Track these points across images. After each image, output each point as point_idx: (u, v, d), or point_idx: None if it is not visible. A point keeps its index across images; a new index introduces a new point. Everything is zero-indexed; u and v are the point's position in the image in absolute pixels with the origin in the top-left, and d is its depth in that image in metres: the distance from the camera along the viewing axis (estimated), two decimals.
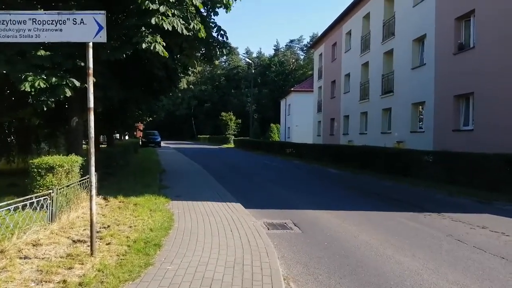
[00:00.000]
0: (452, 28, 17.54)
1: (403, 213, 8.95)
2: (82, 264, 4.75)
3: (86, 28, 4.89)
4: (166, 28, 8.34)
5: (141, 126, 46.44)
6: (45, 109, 8.80)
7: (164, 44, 8.65)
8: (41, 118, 13.00)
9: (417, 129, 20.73)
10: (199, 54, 11.44)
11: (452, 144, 16.16)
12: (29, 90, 7.74)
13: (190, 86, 79.61)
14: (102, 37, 4.90)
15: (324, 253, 5.85)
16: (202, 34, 9.14)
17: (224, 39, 10.67)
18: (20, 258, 4.96)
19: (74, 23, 4.85)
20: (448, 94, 17.53)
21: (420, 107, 20.75)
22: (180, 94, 75.71)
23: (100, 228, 6.55)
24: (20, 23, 4.76)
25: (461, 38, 17.38)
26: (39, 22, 4.81)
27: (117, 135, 38.81)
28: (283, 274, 4.80)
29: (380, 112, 24.46)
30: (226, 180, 14.42)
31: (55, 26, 4.85)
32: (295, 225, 7.57)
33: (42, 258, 4.96)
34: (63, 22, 4.84)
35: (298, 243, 6.38)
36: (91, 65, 4.93)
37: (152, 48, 8.31)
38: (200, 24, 9.09)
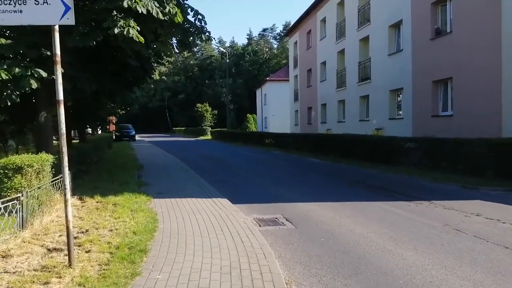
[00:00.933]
0: (429, 13, 17.49)
1: (394, 203, 8.73)
2: (60, 277, 4.21)
3: (51, 9, 4.25)
4: (140, 12, 7.67)
5: (114, 120, 44.93)
6: (9, 103, 8.02)
7: (139, 29, 7.98)
8: (5, 114, 12.05)
9: (396, 115, 20.75)
10: (176, 41, 10.79)
11: (432, 130, 16.20)
12: None
13: (163, 77, 77.82)
14: (70, 19, 4.28)
15: (323, 250, 5.50)
16: (179, 18, 8.50)
17: (202, 24, 10.04)
18: None
19: (36, 3, 4.20)
20: (426, 80, 17.52)
21: (398, 93, 20.74)
22: (152, 86, 73.87)
23: (77, 233, 5.97)
24: None
25: (438, 23, 17.35)
26: None
27: (89, 130, 37.34)
28: (285, 278, 4.41)
29: (357, 99, 24.36)
30: (208, 174, 13.92)
31: (14, 6, 4.19)
32: (287, 220, 7.19)
33: (13, 272, 4.37)
34: (23, 1, 4.18)
35: (294, 240, 6.01)
36: (58, 51, 4.31)
37: (125, 33, 7.62)
38: (177, 8, 8.45)
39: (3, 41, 7.50)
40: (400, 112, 20.45)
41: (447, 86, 16.67)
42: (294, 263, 5.02)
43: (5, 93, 7.92)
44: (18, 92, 8.03)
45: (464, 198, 9.18)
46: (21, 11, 4.27)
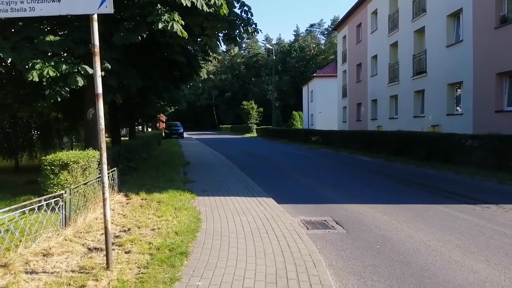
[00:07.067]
0: (493, 0, 16.02)
1: (457, 206, 7.91)
2: (97, 280, 4.00)
3: None
4: (184, 4, 7.42)
5: (163, 118, 46.07)
6: (59, 99, 8.08)
7: (183, 23, 7.74)
8: (58, 111, 12.40)
9: (454, 111, 19.33)
10: (222, 35, 10.50)
11: (496, 126, 14.81)
12: (37, 80, 7.02)
13: (210, 76, 79.01)
14: (109, 7, 4.05)
15: (380, 259, 4.94)
16: (225, 10, 8.19)
17: (249, 15, 9.66)
18: (27, 272, 4.26)
19: None
20: (490, 72, 16.11)
21: (457, 87, 19.30)
22: (200, 85, 75.28)
23: (119, 231, 5.83)
24: None
25: (503, 10, 15.87)
26: None
27: (140, 127, 38.47)
28: None
29: (411, 94, 23.06)
30: (253, 172, 13.60)
31: None
32: (337, 224, 6.66)
33: (52, 273, 4.24)
34: None
35: (346, 246, 5.48)
36: (97, 42, 4.09)
37: (169, 28, 7.42)
38: (222, 0, 8.14)
39: (52, 38, 7.57)
40: (459, 108, 19.02)
41: None
42: (347, 273, 4.51)
43: (55, 89, 7.98)
44: (67, 89, 8.10)
45: None
46: (59, 1, 4.10)
